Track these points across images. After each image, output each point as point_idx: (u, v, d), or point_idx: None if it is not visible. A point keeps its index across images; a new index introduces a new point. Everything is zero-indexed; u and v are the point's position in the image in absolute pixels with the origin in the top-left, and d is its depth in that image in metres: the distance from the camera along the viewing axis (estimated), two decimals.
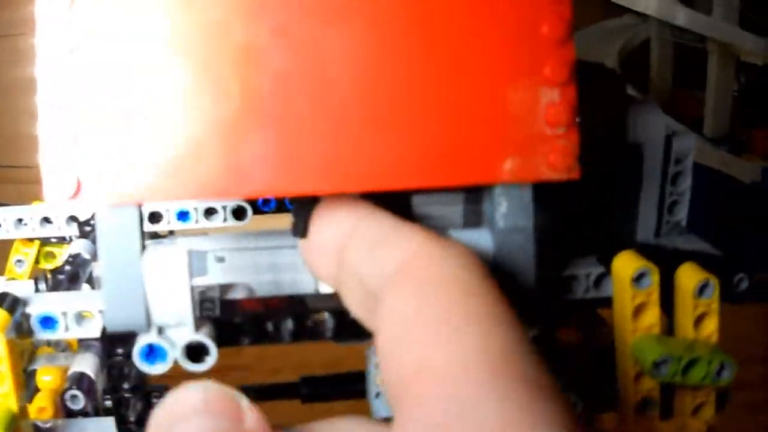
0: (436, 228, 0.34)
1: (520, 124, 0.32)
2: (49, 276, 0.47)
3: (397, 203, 0.34)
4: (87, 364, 0.42)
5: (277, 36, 0.30)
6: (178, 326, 0.34)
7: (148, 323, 0.33)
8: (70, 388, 0.40)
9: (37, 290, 0.49)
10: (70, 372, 0.42)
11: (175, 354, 0.34)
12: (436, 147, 0.31)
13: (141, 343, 0.34)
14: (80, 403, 0.41)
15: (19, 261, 0.55)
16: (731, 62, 1.24)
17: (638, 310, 0.40)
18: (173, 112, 0.30)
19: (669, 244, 0.45)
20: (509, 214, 0.34)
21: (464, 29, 0.31)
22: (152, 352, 0.34)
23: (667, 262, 0.41)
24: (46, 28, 0.30)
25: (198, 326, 0.34)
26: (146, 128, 0.30)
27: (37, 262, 0.56)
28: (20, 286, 0.51)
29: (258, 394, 0.45)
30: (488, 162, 0.32)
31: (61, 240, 0.54)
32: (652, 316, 0.40)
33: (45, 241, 0.55)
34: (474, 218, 0.36)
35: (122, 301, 0.32)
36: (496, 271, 0.33)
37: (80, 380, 0.41)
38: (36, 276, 0.57)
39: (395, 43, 0.30)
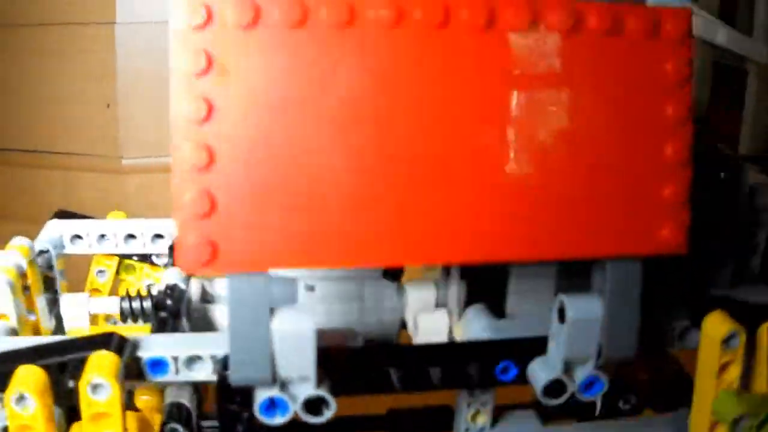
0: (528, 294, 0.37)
1: (641, 203, 0.34)
2: (131, 295, 0.47)
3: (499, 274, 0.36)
4: (184, 395, 0.43)
5: (410, 124, 0.31)
6: (300, 381, 0.35)
7: (273, 379, 0.34)
8: (168, 421, 0.42)
9: (122, 310, 0.50)
10: (167, 402, 0.43)
11: (295, 407, 0.35)
12: (569, 224, 0.33)
13: (263, 396, 0.35)
14: None
15: (100, 272, 0.56)
16: None
17: (722, 368, 0.41)
18: (309, 189, 0.31)
19: (745, 296, 0.46)
20: (621, 283, 0.35)
21: (602, 116, 0.32)
22: (273, 405, 0.36)
23: (749, 316, 0.42)
24: (182, 96, 0.31)
25: (320, 381, 0.35)
26: (284, 202, 0.32)
27: (116, 272, 0.56)
28: (105, 303, 0.53)
29: (344, 427, 0.46)
30: (620, 236, 0.33)
31: (143, 258, 0.55)
32: (734, 373, 0.42)
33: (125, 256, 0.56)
34: (565, 285, 0.38)
35: (250, 358, 0.34)
36: (604, 331, 0.35)
37: (179, 412, 0.43)
38: (116, 290, 0.57)
39: (541, 128, 0.32)
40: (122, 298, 0.50)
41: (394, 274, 0.47)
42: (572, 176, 0.33)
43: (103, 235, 0.54)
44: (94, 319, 0.53)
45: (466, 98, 0.32)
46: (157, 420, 0.45)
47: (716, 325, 0.40)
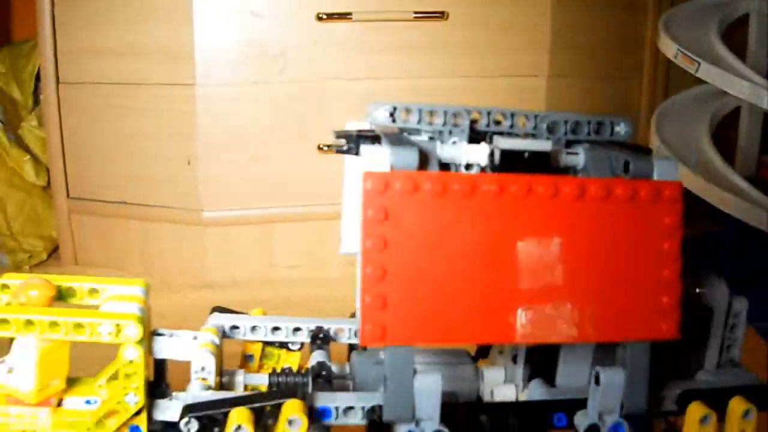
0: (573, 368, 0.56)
1: (650, 304, 0.53)
2: (278, 372, 0.66)
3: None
4: None
5: (503, 255, 0.51)
6: (428, 419, 0.54)
7: (412, 416, 0.53)
8: None
9: (270, 383, 0.68)
10: None
11: None
12: (602, 317, 0.52)
13: (404, 429, 0.54)
14: None
15: (249, 356, 0.75)
16: None
17: None
18: (444, 295, 0.51)
19: (725, 380, 0.64)
20: (636, 358, 0.54)
21: (625, 251, 0.52)
22: None
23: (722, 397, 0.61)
24: (368, 235, 0.51)
25: (440, 420, 0.54)
26: (429, 302, 0.51)
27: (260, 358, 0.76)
28: (256, 378, 0.71)
29: None
30: (635, 326, 0.53)
31: (282, 345, 0.74)
32: None
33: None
34: (599, 359, 0.58)
35: (398, 402, 0.53)
36: (625, 391, 0.54)
37: None
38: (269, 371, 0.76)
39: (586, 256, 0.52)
40: (270, 375, 0.68)
41: (475, 358, 0.67)
42: (603, 291, 0.53)
43: (254, 327, 0.73)
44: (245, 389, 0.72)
45: (532, 240, 0.52)
46: None
47: (694, 411, 0.59)
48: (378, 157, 0.51)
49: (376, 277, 0.51)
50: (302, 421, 0.54)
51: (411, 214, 0.51)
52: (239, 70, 1.45)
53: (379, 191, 0.51)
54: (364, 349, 0.64)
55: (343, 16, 1.44)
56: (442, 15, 1.47)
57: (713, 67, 1.37)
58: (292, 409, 0.54)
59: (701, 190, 1.36)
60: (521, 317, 0.52)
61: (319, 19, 1.44)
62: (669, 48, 1.44)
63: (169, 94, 1.46)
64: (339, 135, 0.59)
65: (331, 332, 0.71)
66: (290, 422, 0.54)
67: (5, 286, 0.60)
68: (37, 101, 1.66)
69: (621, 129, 0.61)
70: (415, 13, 1.46)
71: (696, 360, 0.65)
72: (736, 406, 0.60)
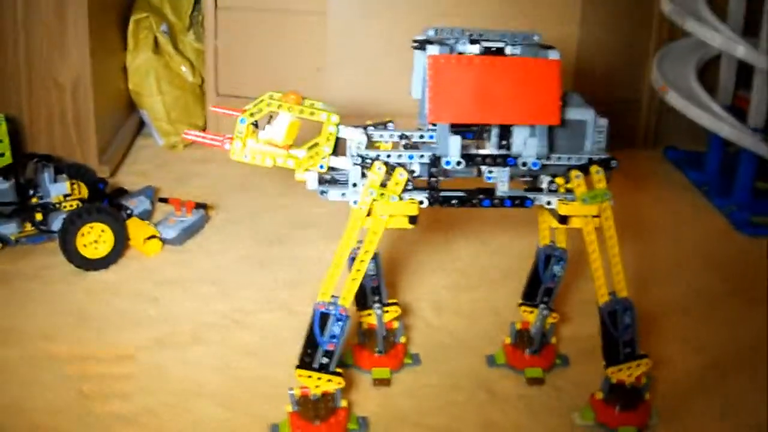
0: None
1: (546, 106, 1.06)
2: None
3: None
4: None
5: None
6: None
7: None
8: None
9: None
10: None
11: None
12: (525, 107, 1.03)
13: None
14: None
15: None
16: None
17: None
18: (477, 99, 1.06)
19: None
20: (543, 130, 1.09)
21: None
22: None
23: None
24: None
25: None
26: (470, 101, 1.07)
27: None
28: None
29: None
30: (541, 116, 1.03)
31: None
32: None
33: None
34: None
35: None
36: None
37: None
38: None
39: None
40: None
41: None
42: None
43: None
44: None
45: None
46: None
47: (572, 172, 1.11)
48: (433, 50, 1.01)
49: (437, 87, 0.99)
50: None
51: (448, 71, 0.99)
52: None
53: (437, 61, 1.00)
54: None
55: None
56: None
57: (695, 23, 1.90)
58: None
59: (678, 105, 1.92)
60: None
61: None
62: (665, 6, 1.96)
63: (306, 19, 2.05)
64: (415, 41, 1.09)
65: None
66: None
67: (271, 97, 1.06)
68: (191, 23, 2.22)
69: (537, 39, 1.05)
70: None
71: (581, 147, 1.08)
72: (593, 167, 1.05)
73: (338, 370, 1.07)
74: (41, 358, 1.25)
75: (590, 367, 1.25)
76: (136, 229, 1.59)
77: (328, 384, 1.06)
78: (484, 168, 1.05)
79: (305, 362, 1.05)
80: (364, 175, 1.01)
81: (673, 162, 2.32)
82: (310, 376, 1.05)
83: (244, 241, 1.72)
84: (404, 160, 1.03)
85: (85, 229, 1.51)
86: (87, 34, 1.76)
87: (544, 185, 1.07)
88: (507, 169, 1.05)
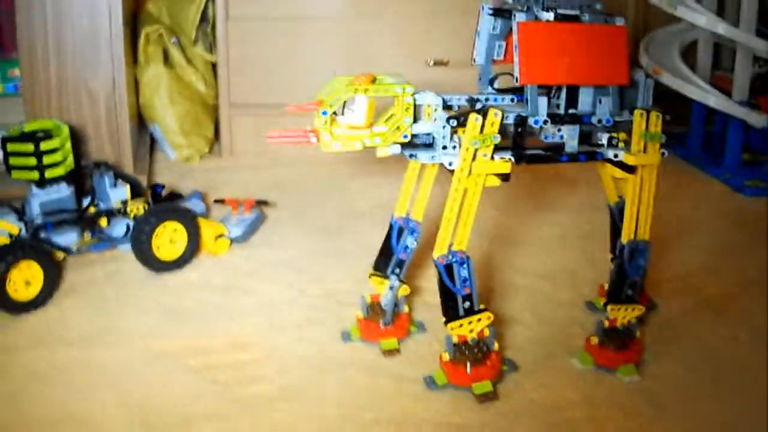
0: None
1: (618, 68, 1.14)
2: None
3: None
4: None
5: None
6: None
7: None
8: None
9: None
10: None
11: None
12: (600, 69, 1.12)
13: None
14: None
15: None
16: (750, 55, 2.12)
17: None
18: (555, 57, 1.16)
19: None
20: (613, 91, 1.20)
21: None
22: None
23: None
24: None
25: None
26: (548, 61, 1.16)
27: None
28: None
29: None
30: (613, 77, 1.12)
31: None
32: None
33: None
34: None
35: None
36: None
37: None
38: None
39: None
40: None
41: None
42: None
43: None
44: None
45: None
46: None
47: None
48: (521, 17, 1.05)
49: (526, 51, 1.06)
50: None
51: (536, 37, 1.06)
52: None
53: (526, 27, 1.06)
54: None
55: None
56: None
57: (685, 9, 2.08)
58: None
59: (672, 83, 2.10)
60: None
61: None
62: None
63: (316, 25, 2.11)
64: (491, 9, 1.14)
65: None
66: None
67: (339, 81, 1.05)
68: (197, 35, 2.24)
69: (599, 6, 1.11)
70: None
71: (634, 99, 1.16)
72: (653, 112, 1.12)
73: (482, 306, 1.12)
74: (155, 355, 1.25)
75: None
76: (205, 228, 1.60)
77: (479, 323, 1.12)
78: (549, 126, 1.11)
79: (450, 314, 1.11)
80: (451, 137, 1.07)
81: None
82: (461, 325, 1.11)
83: (302, 234, 1.76)
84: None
85: (159, 230, 1.52)
86: (122, 43, 1.77)
87: (604, 141, 1.15)
88: (577, 126, 1.12)
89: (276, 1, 2.13)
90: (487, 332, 1.14)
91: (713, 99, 2.08)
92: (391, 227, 1.26)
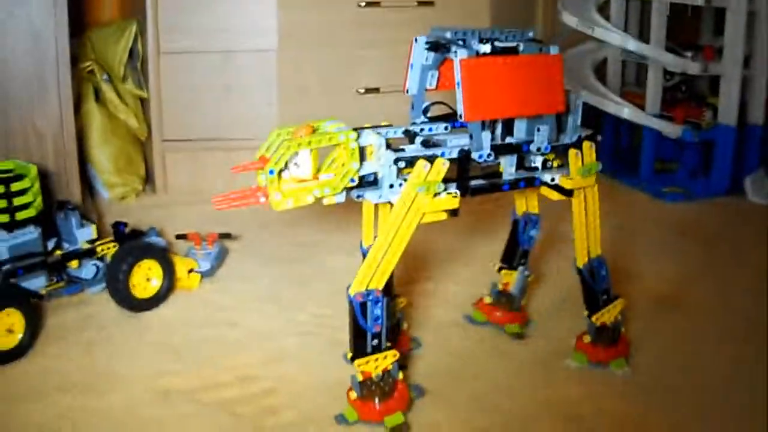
0: None
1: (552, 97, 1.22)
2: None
3: None
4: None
5: None
6: None
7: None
8: None
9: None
10: None
11: None
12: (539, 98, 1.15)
13: None
14: None
15: None
16: (661, 70, 2.29)
17: None
18: (494, 93, 1.25)
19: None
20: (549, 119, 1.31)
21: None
22: None
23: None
24: None
25: None
26: (490, 96, 1.25)
27: None
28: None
29: None
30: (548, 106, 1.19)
31: None
32: None
33: None
34: None
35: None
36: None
37: None
38: None
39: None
40: None
41: None
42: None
43: None
44: None
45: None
46: None
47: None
48: (462, 53, 1.03)
49: (469, 88, 1.06)
50: None
51: (478, 73, 1.05)
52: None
53: (468, 64, 1.06)
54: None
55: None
56: None
57: (602, 29, 2.24)
58: None
59: (591, 101, 2.28)
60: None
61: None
62: (569, 19, 2.29)
63: (250, 57, 2.12)
64: (427, 42, 1.12)
65: None
66: None
67: (279, 135, 1.02)
68: (125, 71, 2.18)
69: (533, 34, 1.12)
70: None
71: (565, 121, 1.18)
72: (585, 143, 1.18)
73: (388, 344, 1.10)
74: (163, 394, 1.22)
75: None
76: (177, 264, 1.56)
77: (385, 361, 1.10)
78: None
79: (358, 352, 1.08)
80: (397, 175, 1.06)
81: None
82: (368, 362, 1.09)
83: (266, 264, 1.75)
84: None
85: (135, 269, 1.48)
86: (69, 81, 1.71)
87: (538, 164, 1.16)
88: (515, 155, 1.14)
89: (207, 35, 2.11)
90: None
91: (628, 112, 2.26)
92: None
